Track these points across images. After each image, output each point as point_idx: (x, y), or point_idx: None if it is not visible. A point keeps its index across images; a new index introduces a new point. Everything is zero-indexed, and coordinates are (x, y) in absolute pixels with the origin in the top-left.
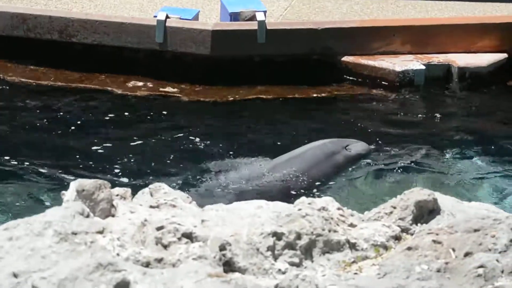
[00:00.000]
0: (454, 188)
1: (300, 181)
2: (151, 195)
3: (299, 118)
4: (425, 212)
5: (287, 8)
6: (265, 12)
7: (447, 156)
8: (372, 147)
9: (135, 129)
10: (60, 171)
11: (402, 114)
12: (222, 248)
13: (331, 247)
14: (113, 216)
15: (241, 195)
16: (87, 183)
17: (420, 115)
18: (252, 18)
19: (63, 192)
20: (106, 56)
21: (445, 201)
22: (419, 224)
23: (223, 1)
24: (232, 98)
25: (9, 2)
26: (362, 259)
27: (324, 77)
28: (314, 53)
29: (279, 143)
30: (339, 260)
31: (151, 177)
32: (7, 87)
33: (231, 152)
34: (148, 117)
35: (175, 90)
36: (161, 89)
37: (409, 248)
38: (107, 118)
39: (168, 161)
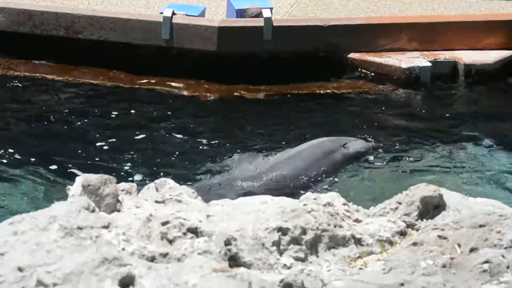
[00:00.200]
0: (460, 184)
1: (298, 180)
2: (157, 190)
3: (305, 114)
4: (431, 208)
5: (293, 5)
6: (271, 9)
7: (453, 152)
8: (373, 145)
9: (141, 125)
10: (65, 166)
11: (408, 111)
12: (228, 243)
13: (336, 242)
14: (118, 211)
15: (239, 194)
16: (93, 178)
17: (426, 112)
18: (259, 15)
19: (69, 187)
20: (113, 53)
21: (450, 197)
22: (424, 220)
23: None
24: (238, 95)
25: None
26: (367, 254)
27: (330, 74)
28: (320, 50)
29: (285, 140)
30: (344, 255)
31: (156, 172)
32: (14, 83)
33: (236, 149)
34: (154, 113)
35: (181, 86)
36: (167, 85)
37: (414, 244)
38: (113, 114)
39: (174, 157)
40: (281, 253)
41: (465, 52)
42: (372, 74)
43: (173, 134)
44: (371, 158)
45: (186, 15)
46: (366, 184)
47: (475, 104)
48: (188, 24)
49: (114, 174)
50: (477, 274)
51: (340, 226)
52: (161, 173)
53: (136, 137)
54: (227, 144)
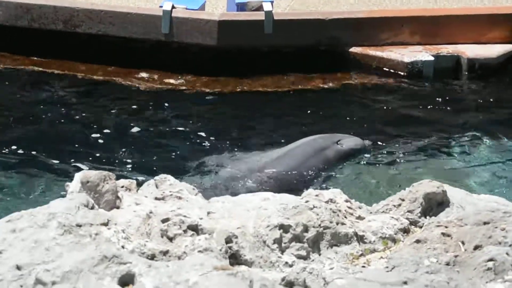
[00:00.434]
0: (463, 180)
1: (289, 178)
2: (157, 186)
3: (306, 109)
4: (434, 205)
5: None
6: (272, 2)
7: (456, 148)
8: (367, 142)
9: (140, 121)
10: (64, 162)
11: (410, 105)
12: (228, 240)
13: (338, 240)
14: (118, 208)
15: (231, 192)
16: (92, 175)
17: (429, 107)
18: (259, 8)
19: (68, 183)
20: (111, 47)
21: (454, 193)
22: (428, 217)
23: None
24: (238, 89)
25: None
26: (370, 252)
27: (331, 68)
28: (322, 44)
29: (286, 134)
30: (347, 253)
31: (156, 169)
32: (11, 78)
33: (237, 144)
34: (154, 108)
35: (181, 81)
36: (166, 80)
37: (417, 241)
38: (112, 109)
39: (174, 153)
40: (282, 251)
41: (469, 46)
42: (374, 68)
43: (173, 129)
44: (370, 154)
45: (186, 8)
46: (366, 180)
47: (479, 99)
48: (188, 18)
49: (113, 170)
50: (481, 272)
51: (343, 224)
52: (161, 169)
53: (135, 133)
54: (228, 140)
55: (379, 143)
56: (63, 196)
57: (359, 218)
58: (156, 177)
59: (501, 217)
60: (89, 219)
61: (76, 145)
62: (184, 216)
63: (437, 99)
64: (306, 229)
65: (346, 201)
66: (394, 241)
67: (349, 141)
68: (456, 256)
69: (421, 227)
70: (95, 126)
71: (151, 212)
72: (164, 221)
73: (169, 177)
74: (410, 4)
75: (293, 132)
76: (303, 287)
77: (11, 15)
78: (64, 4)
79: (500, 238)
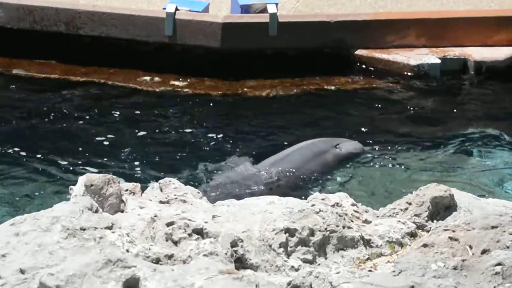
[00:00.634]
0: (470, 184)
1: (289, 181)
2: (161, 190)
3: (310, 112)
4: (441, 209)
5: (299, 0)
6: (276, 4)
7: (463, 151)
8: (367, 148)
9: (144, 123)
10: (68, 166)
11: (416, 108)
12: (234, 244)
13: (345, 244)
14: (122, 211)
15: (229, 196)
16: (96, 178)
17: (435, 110)
18: (264, 10)
19: (71, 187)
20: (114, 49)
21: (461, 197)
22: (435, 221)
23: None
24: (242, 92)
25: None
26: (377, 256)
27: (337, 71)
28: (327, 46)
29: (289, 137)
30: (353, 257)
31: (160, 172)
32: (14, 81)
33: (240, 147)
34: (157, 111)
35: (185, 83)
36: (170, 82)
37: (425, 245)
38: (115, 112)
39: (178, 156)
40: (288, 254)
41: (475, 48)
42: (380, 71)
43: (176, 132)
44: (373, 157)
45: (190, 10)
46: (370, 184)
47: (485, 102)
48: (192, 20)
49: (117, 173)
50: (489, 277)
51: (349, 227)
52: (165, 173)
53: (138, 136)
54: (231, 143)
55: (385, 146)
56: (67, 199)
57: (366, 222)
58: (160, 181)
59: (510, 221)
60: (93, 223)
61: (80, 148)
62: (189, 219)
63: (444, 101)
64: (312, 233)
65: (353, 204)
66: (401, 245)
67: (348, 145)
68: (463, 261)
69: (428, 231)
70: (98, 129)
71: (155, 216)
72: (168, 224)
73: (174, 180)
74: (416, 7)
75: (296, 135)
76: None
77: (13, 17)
78: (66, 6)
79: (508, 242)
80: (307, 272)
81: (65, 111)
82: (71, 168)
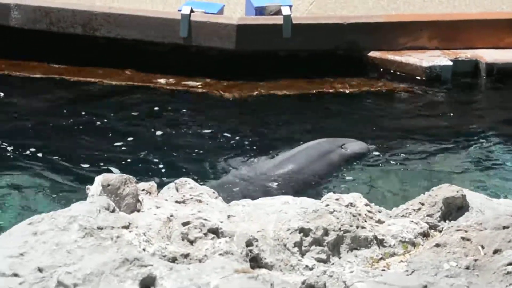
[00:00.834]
0: (482, 184)
1: (295, 180)
2: (177, 190)
3: (324, 113)
4: (454, 209)
5: (313, 2)
6: (290, 6)
7: (474, 152)
8: (371, 146)
9: (159, 124)
10: (85, 166)
11: (428, 110)
12: (249, 243)
13: (358, 244)
14: (138, 211)
15: (236, 195)
16: (113, 178)
17: (447, 111)
18: (278, 12)
19: (88, 186)
20: (130, 50)
21: (473, 198)
22: (447, 221)
23: None
24: (256, 93)
25: None
26: (390, 255)
27: (349, 73)
28: (340, 48)
29: (303, 138)
30: (366, 256)
31: (176, 172)
32: (30, 82)
33: (254, 148)
34: (173, 112)
35: (200, 85)
36: (185, 84)
37: (437, 245)
38: (131, 113)
39: (193, 156)
40: (303, 254)
41: (487, 50)
42: (393, 73)
43: (192, 133)
44: (380, 157)
45: (205, 12)
46: (382, 185)
47: (497, 104)
48: (207, 22)
49: (133, 173)
50: (501, 276)
51: (363, 227)
52: (181, 173)
53: (154, 137)
54: (245, 143)
55: (395, 146)
56: (84, 199)
57: (379, 222)
58: (176, 181)
59: None
60: (110, 222)
61: (97, 149)
62: (205, 219)
63: (455, 103)
64: (326, 232)
65: (366, 205)
66: (414, 245)
67: (354, 145)
68: (475, 260)
69: (440, 231)
70: (114, 130)
71: (171, 215)
72: (184, 224)
73: (190, 180)
74: (428, 9)
75: (310, 135)
76: None
77: (29, 19)
78: (82, 7)
79: None
80: (321, 271)
81: (81, 111)
82: (88, 168)
